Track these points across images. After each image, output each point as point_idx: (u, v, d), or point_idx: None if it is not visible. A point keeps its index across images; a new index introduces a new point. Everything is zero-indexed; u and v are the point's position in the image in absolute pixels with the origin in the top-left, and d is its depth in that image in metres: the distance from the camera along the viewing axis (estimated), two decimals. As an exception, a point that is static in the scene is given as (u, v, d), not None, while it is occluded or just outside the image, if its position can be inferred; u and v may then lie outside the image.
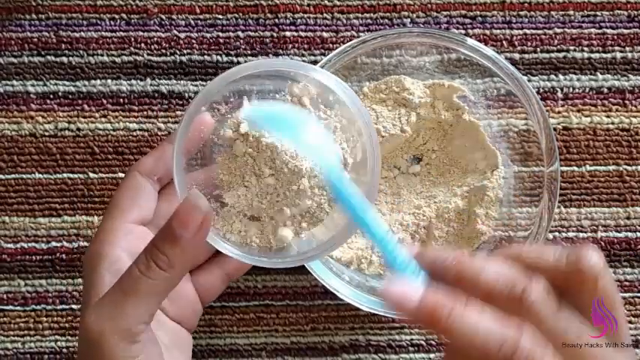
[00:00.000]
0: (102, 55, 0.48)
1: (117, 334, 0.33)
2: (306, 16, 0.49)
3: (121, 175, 0.48)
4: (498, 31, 0.49)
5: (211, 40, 0.49)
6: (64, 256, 0.47)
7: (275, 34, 0.49)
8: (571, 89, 0.49)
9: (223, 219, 0.37)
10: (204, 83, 0.48)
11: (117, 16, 0.49)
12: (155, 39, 0.49)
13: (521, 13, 0.49)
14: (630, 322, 0.48)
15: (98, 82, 0.48)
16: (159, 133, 0.48)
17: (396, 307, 0.28)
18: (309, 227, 0.38)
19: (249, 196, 0.37)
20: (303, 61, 0.37)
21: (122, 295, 0.33)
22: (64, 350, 0.47)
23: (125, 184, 0.38)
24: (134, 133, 0.48)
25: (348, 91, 0.36)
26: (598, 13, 0.50)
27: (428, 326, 0.28)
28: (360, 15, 0.49)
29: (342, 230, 0.37)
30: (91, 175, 0.48)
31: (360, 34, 0.49)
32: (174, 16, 0.49)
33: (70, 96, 0.48)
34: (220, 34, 0.49)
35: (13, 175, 0.48)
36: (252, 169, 0.37)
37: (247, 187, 0.37)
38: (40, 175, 0.48)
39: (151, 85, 0.49)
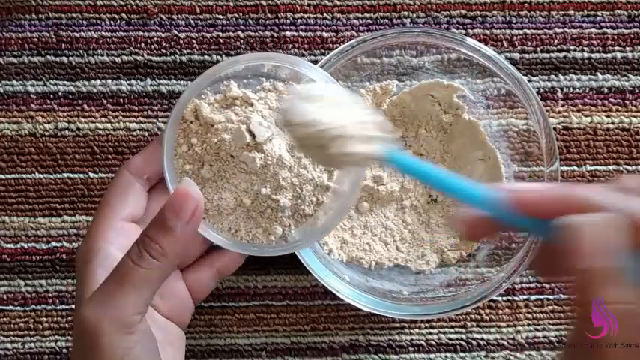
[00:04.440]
0: (102, 55, 0.48)
1: (113, 324, 0.33)
2: (306, 16, 0.49)
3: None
4: (498, 31, 0.49)
5: (211, 40, 0.49)
6: (64, 256, 0.47)
7: (275, 34, 0.49)
8: (571, 89, 0.49)
9: (212, 217, 0.37)
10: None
11: (117, 16, 0.49)
12: (155, 39, 0.49)
13: (522, 13, 0.49)
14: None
15: (98, 82, 0.48)
16: (159, 133, 0.48)
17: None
18: (297, 225, 0.38)
19: (237, 193, 0.37)
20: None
21: (116, 286, 0.33)
22: (64, 350, 0.47)
23: (115, 183, 0.39)
24: (134, 133, 0.48)
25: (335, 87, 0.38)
26: (598, 13, 0.50)
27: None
28: (360, 15, 0.49)
29: (331, 217, 0.37)
30: (91, 175, 0.48)
31: (360, 34, 0.49)
32: (174, 16, 0.49)
33: (70, 96, 0.48)
34: (220, 34, 0.49)
35: (13, 175, 0.48)
36: (238, 167, 0.37)
37: (234, 184, 0.37)
38: (40, 175, 0.48)
39: (151, 85, 0.48)
